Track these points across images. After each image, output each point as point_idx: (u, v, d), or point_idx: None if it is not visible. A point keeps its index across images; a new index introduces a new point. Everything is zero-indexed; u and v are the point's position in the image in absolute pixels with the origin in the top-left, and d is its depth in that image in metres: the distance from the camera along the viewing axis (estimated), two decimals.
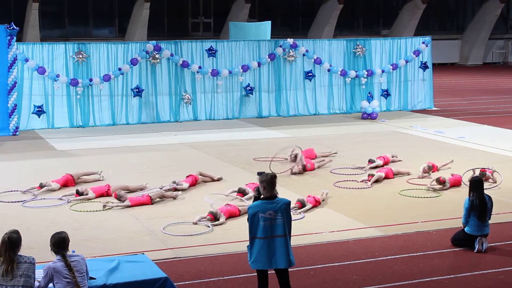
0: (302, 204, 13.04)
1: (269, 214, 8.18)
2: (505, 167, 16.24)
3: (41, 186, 14.47)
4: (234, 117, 24.75)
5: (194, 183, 14.85)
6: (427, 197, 14.11)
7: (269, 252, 8.22)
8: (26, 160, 17.83)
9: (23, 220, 12.50)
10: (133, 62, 23.42)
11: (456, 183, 14.71)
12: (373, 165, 16.37)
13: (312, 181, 15.45)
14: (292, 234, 8.55)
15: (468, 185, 11.65)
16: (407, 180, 15.49)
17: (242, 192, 13.84)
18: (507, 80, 39.90)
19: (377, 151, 18.28)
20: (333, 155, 17.77)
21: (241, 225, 11.59)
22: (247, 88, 24.84)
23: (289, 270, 8.55)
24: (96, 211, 13.06)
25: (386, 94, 26.71)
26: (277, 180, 8.44)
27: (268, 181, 8.28)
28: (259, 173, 8.61)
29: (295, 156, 16.41)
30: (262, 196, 8.34)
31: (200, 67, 24.21)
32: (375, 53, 26.63)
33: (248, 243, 8.37)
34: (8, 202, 13.67)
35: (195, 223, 12.19)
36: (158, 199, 13.71)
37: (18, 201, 13.71)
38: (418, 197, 14.13)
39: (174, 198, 13.88)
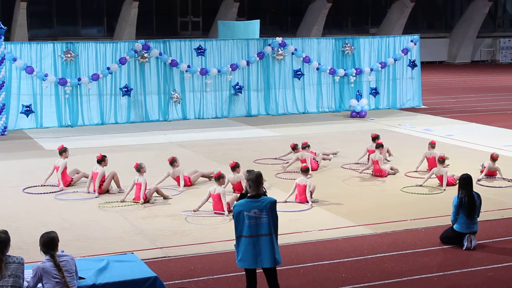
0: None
1: (254, 213, 8.16)
2: None
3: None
4: (223, 116, 24.74)
5: (187, 184, 14.88)
6: (431, 194, 14.21)
7: (255, 251, 8.20)
8: (14, 160, 17.76)
9: (12, 220, 12.45)
10: (122, 61, 23.37)
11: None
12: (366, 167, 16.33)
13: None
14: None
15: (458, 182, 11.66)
16: (405, 173, 15.68)
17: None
18: (495, 78, 40.07)
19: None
20: (334, 154, 17.77)
21: (231, 224, 11.54)
22: (236, 87, 24.84)
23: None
24: None
25: (375, 92, 26.77)
26: (263, 179, 8.44)
27: (254, 180, 8.26)
28: (248, 171, 8.61)
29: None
30: (248, 194, 8.33)
31: (189, 66, 24.18)
32: (364, 52, 26.68)
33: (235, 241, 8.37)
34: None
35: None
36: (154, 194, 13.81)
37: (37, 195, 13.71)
38: (421, 193, 14.23)
39: (165, 197, 13.84)
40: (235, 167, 13.85)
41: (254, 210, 8.16)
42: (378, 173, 15.63)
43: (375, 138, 16.71)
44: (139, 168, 13.78)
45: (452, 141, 19.95)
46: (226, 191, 12.94)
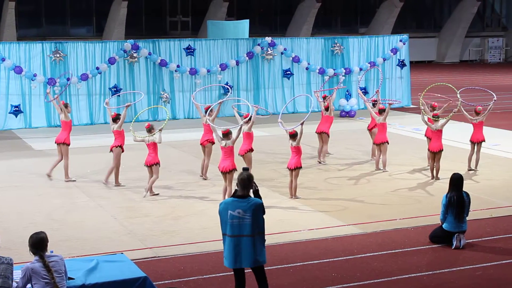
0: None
1: (238, 213, 8.17)
2: (481, 164, 16.42)
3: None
4: None
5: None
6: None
7: (235, 251, 8.22)
8: (3, 160, 17.70)
9: (1, 220, 12.41)
10: (111, 61, 23.33)
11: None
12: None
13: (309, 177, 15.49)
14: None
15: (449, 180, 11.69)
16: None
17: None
18: (484, 78, 40.20)
19: (356, 148, 18.39)
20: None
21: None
22: (226, 86, 24.82)
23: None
24: None
25: (364, 92, 26.80)
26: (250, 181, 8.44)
27: (240, 181, 8.29)
28: (244, 169, 8.62)
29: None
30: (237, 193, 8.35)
31: (178, 66, 24.16)
32: (353, 51, 26.73)
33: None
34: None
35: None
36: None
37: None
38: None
39: (152, 192, 13.92)
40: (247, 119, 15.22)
41: (239, 210, 8.18)
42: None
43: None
44: (150, 129, 14.50)
45: None
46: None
